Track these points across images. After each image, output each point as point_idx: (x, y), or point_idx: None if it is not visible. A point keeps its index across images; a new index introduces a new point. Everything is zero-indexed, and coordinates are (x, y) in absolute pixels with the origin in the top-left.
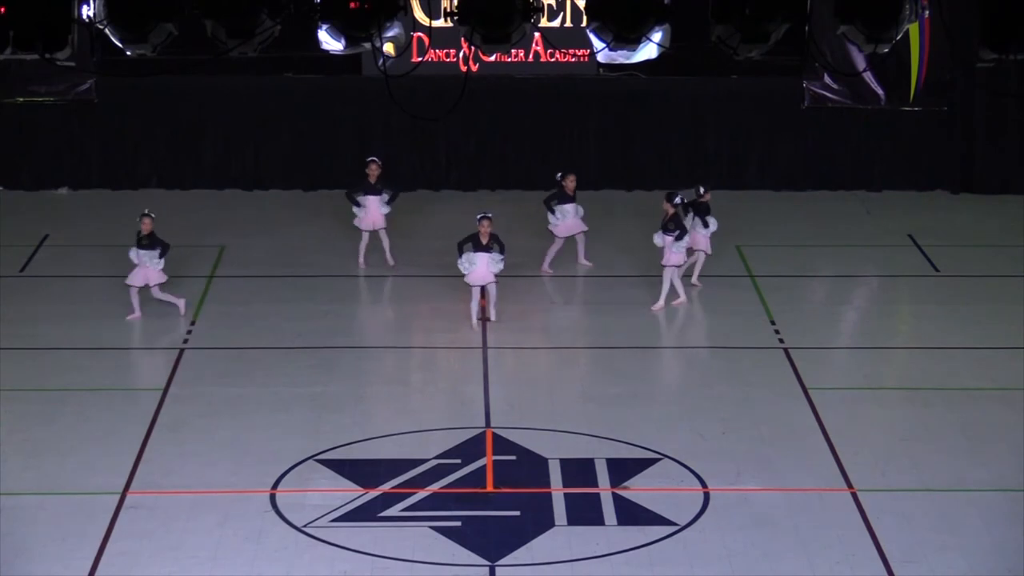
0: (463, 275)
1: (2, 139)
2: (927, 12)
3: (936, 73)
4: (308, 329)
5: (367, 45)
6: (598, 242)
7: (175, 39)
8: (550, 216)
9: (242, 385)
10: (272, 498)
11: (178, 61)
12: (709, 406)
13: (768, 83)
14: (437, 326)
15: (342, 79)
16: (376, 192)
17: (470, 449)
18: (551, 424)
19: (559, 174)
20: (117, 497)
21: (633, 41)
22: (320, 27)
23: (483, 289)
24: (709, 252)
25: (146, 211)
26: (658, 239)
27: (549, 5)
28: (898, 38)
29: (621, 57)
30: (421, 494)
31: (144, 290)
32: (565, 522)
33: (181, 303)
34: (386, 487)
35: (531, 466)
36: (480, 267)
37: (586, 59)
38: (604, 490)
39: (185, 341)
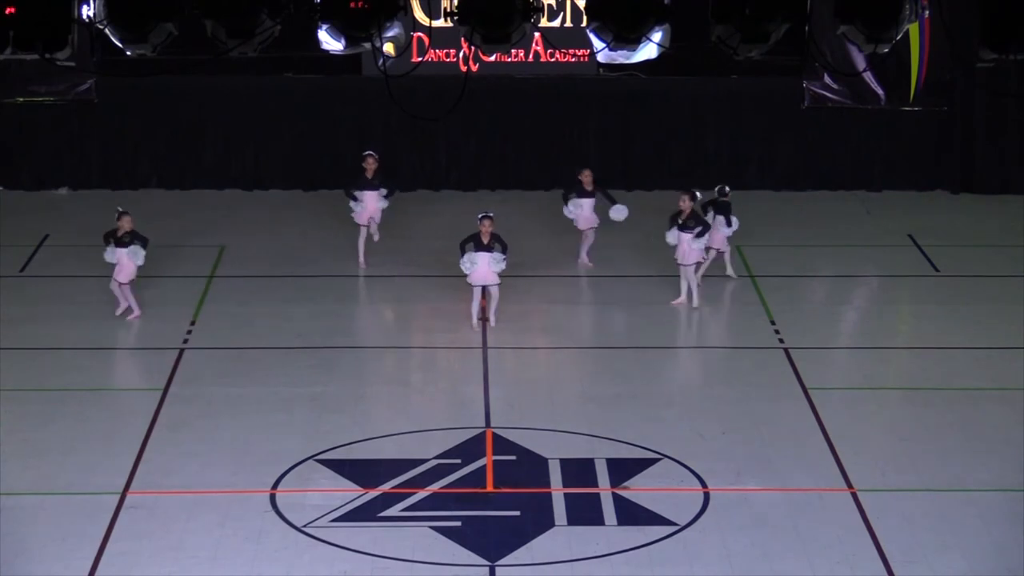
0: (465, 275)
1: (2, 139)
2: (927, 12)
3: (936, 73)
4: (308, 329)
5: (367, 45)
6: (598, 242)
7: (175, 39)
8: (565, 210)
9: (242, 385)
10: (272, 498)
11: (178, 61)
12: (709, 406)
13: (768, 83)
14: (437, 326)
15: (342, 79)
16: (373, 187)
17: (470, 449)
18: (551, 424)
19: (585, 170)
20: (117, 497)
21: (633, 41)
22: (320, 27)
23: (484, 289)
24: (725, 250)
25: (121, 208)
26: (672, 237)
27: (549, 5)
28: (898, 38)
29: (621, 57)
30: (421, 494)
31: (134, 283)
32: (565, 522)
33: (137, 311)
34: (386, 487)
35: (531, 466)
36: (481, 267)
37: (586, 59)
38: (604, 490)
39: (185, 341)
